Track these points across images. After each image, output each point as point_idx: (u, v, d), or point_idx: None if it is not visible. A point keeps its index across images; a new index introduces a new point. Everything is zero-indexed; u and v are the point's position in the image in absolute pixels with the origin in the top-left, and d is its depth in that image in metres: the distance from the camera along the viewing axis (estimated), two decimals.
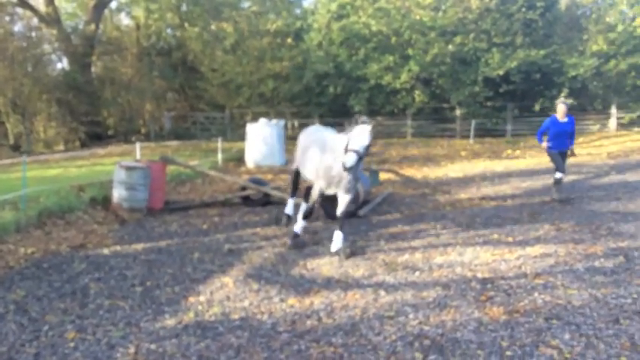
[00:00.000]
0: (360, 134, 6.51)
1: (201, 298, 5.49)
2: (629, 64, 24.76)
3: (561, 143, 10.01)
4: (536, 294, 5.20)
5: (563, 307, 4.83)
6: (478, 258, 6.56)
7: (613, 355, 3.93)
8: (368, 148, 6.58)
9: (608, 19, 26.38)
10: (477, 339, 4.29)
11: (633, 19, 25.92)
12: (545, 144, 10.06)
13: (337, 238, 7.04)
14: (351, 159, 6.38)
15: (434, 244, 7.31)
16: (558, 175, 10.03)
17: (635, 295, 5.03)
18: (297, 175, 8.55)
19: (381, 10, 26.49)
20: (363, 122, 6.63)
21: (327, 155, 7.10)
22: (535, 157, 17.75)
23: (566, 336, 4.26)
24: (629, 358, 3.86)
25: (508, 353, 4.02)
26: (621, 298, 5.00)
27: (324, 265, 6.55)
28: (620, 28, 25.34)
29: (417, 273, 6.11)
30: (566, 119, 9.98)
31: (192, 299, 5.48)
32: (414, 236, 7.87)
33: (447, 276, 5.91)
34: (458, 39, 25.14)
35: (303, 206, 7.72)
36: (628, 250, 6.57)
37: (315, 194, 7.35)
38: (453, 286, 5.54)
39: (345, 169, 6.43)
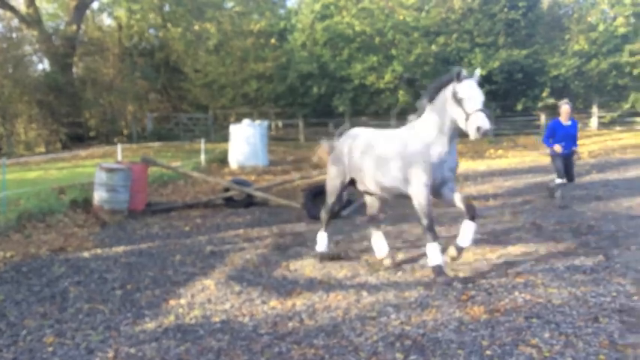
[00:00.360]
0: (472, 90, 5.38)
1: (182, 301, 5.44)
2: (610, 63, 25.10)
3: (566, 147, 9.59)
4: (516, 293, 5.22)
5: (543, 306, 4.85)
6: (460, 257, 6.56)
7: (592, 353, 3.95)
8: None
9: (589, 19, 26.74)
10: (457, 338, 4.29)
11: (614, 18, 26.29)
12: (557, 147, 9.54)
13: (470, 230, 5.86)
14: (484, 119, 5.24)
15: (416, 244, 7.32)
16: (558, 181, 9.66)
17: (614, 294, 5.07)
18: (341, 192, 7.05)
19: (365, 11, 26.58)
20: (465, 77, 5.46)
21: (430, 144, 5.79)
22: (517, 157, 17.89)
23: (546, 334, 4.28)
24: (607, 357, 3.88)
25: (488, 352, 4.03)
26: (601, 296, 5.03)
27: (306, 267, 6.53)
28: (601, 27, 25.68)
29: (400, 273, 6.12)
30: (569, 122, 9.76)
31: (172, 302, 5.43)
32: (396, 236, 7.89)
33: (429, 276, 5.91)
34: (441, 39, 25.30)
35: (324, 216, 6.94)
36: (608, 248, 6.62)
37: (425, 198, 6.12)
38: (434, 286, 5.56)
39: (485, 133, 5.27)
